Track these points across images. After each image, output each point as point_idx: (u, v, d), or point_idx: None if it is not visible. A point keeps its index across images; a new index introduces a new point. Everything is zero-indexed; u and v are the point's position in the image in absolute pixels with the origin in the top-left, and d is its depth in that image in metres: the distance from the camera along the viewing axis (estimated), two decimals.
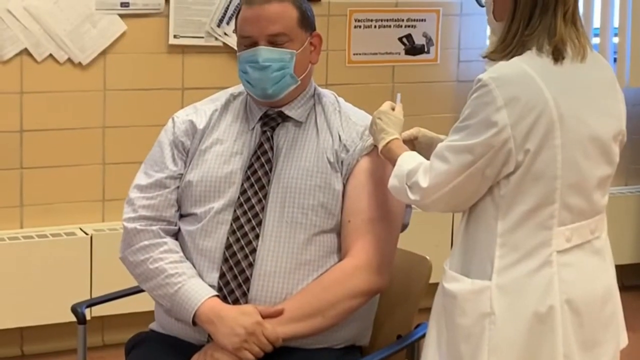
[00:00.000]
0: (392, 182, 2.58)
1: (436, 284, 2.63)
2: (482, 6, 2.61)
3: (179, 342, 2.79)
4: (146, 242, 2.79)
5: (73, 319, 2.97)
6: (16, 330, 4.45)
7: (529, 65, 2.45)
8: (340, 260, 2.78)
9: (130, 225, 2.81)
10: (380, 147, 2.69)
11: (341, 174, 2.78)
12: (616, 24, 5.33)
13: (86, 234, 4.44)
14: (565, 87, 2.46)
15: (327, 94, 2.92)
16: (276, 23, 2.75)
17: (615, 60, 5.33)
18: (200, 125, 2.86)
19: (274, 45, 2.76)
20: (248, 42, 2.78)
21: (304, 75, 2.82)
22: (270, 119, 2.85)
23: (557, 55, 2.47)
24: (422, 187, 2.47)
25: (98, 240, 4.42)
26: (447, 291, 2.53)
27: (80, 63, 4.43)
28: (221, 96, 2.93)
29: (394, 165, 2.61)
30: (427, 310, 2.67)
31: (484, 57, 2.55)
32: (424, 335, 2.81)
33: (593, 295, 2.54)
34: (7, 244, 4.32)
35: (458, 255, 2.55)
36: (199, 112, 2.90)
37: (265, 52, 2.75)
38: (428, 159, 2.54)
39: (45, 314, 4.34)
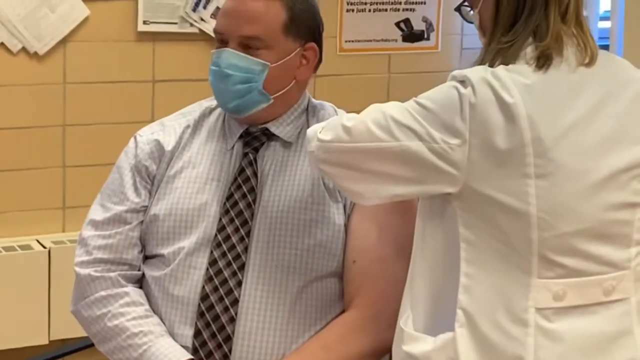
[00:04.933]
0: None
1: None
2: (470, 22, 2.38)
3: None
4: (103, 293, 2.48)
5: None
6: None
7: (510, 70, 2.13)
8: (344, 311, 2.47)
9: (83, 271, 2.51)
10: None
11: (343, 205, 2.47)
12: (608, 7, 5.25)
13: (44, 247, 4.24)
14: (557, 102, 2.12)
15: (326, 106, 2.61)
16: (253, 23, 2.43)
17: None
18: (169, 145, 2.55)
19: (245, 50, 2.44)
20: (219, 39, 2.49)
21: (279, 93, 2.47)
22: (252, 137, 2.53)
23: (543, 62, 2.15)
24: (342, 128, 2.14)
25: (57, 254, 4.22)
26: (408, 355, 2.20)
27: (36, 53, 4.25)
28: (194, 109, 2.63)
29: None
30: None
31: None
32: None
33: None
34: None
35: (416, 308, 2.23)
36: (167, 129, 2.59)
37: (230, 57, 2.44)
38: None
39: None
